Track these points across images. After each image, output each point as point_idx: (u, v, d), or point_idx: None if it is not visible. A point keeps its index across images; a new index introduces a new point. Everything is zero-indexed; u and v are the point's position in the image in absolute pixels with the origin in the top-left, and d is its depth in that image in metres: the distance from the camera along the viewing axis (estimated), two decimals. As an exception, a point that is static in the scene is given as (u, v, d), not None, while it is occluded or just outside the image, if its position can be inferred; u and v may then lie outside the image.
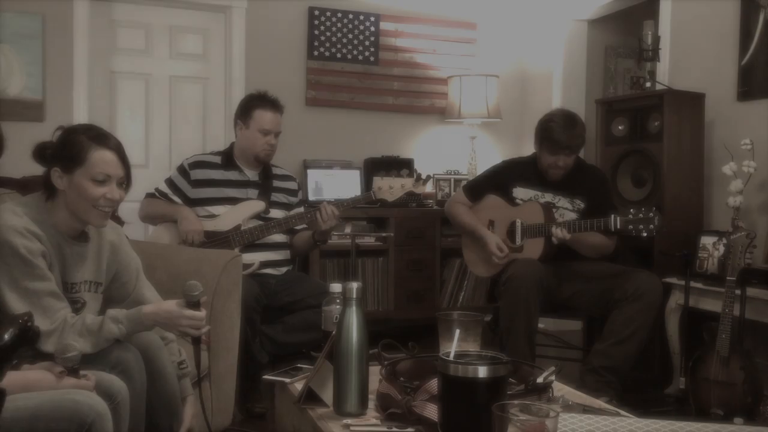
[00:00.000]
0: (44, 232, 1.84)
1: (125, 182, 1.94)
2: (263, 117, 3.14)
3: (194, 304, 1.90)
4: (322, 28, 4.50)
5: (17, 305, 1.77)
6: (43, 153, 1.89)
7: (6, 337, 1.39)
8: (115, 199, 1.89)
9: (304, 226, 3.24)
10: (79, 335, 1.80)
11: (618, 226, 2.96)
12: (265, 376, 2.03)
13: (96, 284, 2.00)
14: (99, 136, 1.89)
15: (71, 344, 1.64)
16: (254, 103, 3.18)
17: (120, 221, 3.43)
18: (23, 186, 2.51)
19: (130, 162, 2.01)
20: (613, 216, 2.98)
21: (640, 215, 2.90)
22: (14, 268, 1.77)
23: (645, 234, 2.90)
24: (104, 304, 2.05)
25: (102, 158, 1.86)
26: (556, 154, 3.13)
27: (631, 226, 2.93)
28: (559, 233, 3.00)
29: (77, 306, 1.94)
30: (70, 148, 1.86)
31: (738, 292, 2.78)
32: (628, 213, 2.95)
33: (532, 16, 4.94)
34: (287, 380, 1.92)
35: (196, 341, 1.97)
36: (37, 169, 1.97)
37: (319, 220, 3.04)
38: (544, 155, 3.19)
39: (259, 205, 3.12)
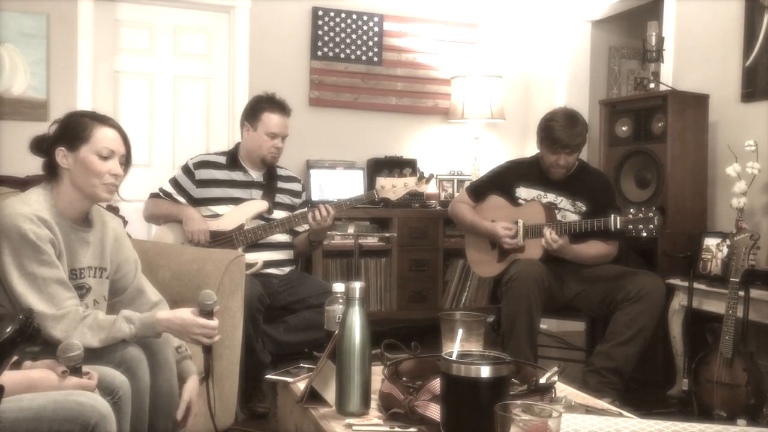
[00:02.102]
0: (53, 219, 1.87)
1: (126, 161, 2.00)
2: (271, 120, 3.14)
3: (208, 313, 1.92)
4: (326, 28, 4.50)
5: (24, 290, 1.79)
6: (41, 145, 1.94)
7: (7, 332, 1.40)
8: (119, 173, 1.96)
9: (307, 227, 3.24)
10: (89, 329, 1.81)
11: (618, 226, 2.95)
12: (268, 376, 2.03)
13: (100, 270, 2.02)
14: (100, 117, 1.98)
15: (74, 343, 1.65)
16: (262, 105, 3.17)
17: (123, 220, 3.44)
18: (26, 185, 2.52)
19: (133, 162, 2.05)
20: (612, 216, 2.98)
21: (640, 215, 2.90)
22: (22, 254, 1.80)
23: (645, 234, 2.90)
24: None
25: (106, 135, 1.94)
26: (557, 152, 3.13)
27: (630, 226, 2.93)
28: (548, 236, 2.99)
29: (82, 292, 1.95)
30: (74, 128, 1.92)
31: (741, 293, 2.77)
32: (628, 213, 2.95)
33: (535, 18, 4.94)
34: (290, 380, 1.92)
35: (208, 350, 1.99)
36: (40, 169, 1.99)
37: (311, 221, 3.04)
38: (545, 154, 3.19)
39: (262, 205, 3.12)
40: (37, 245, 1.80)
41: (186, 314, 1.91)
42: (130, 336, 1.85)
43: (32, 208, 1.84)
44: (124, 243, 2.12)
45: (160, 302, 2.14)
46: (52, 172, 1.93)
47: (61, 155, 1.90)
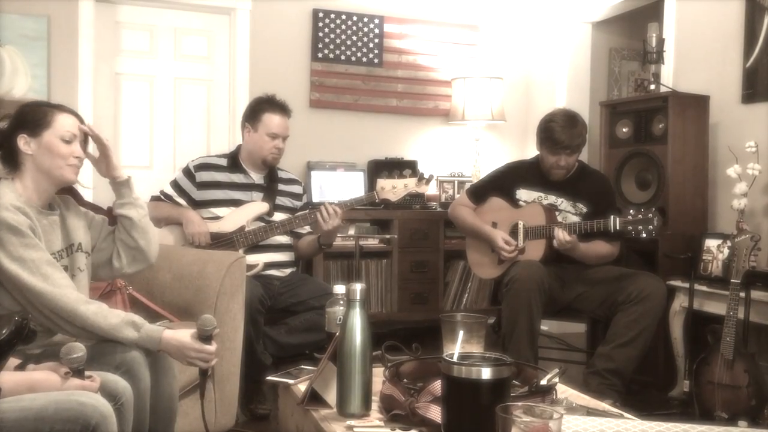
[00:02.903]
0: (25, 205, 1.88)
1: (84, 143, 2.04)
2: (272, 121, 3.15)
3: (207, 338, 1.92)
4: (326, 30, 4.51)
5: (18, 272, 1.80)
6: None
7: (3, 333, 1.41)
8: (81, 156, 2.00)
9: (309, 229, 3.24)
10: (93, 314, 1.83)
11: (617, 227, 2.95)
12: (269, 377, 2.04)
13: (69, 248, 2.04)
14: (56, 105, 2.03)
15: (76, 345, 1.65)
16: (263, 106, 3.18)
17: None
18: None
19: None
20: (612, 217, 2.97)
21: (639, 216, 2.90)
22: (7, 242, 1.81)
23: (644, 235, 2.90)
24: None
25: (66, 120, 1.98)
26: (558, 153, 3.14)
27: (630, 227, 2.92)
28: (560, 236, 2.99)
29: None
30: (34, 115, 1.96)
31: (742, 294, 2.77)
32: (628, 214, 2.95)
33: (535, 19, 4.94)
34: (290, 381, 1.93)
35: (204, 373, 1.99)
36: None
37: (320, 219, 3.04)
38: (545, 155, 3.19)
39: (262, 207, 3.12)
40: (19, 230, 1.82)
41: (185, 337, 1.91)
42: (131, 341, 1.86)
43: (3, 199, 1.86)
44: (80, 209, 2.14)
45: None
46: (12, 163, 1.95)
47: (23, 142, 1.92)
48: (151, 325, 1.91)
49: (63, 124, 1.95)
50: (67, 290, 1.84)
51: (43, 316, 1.83)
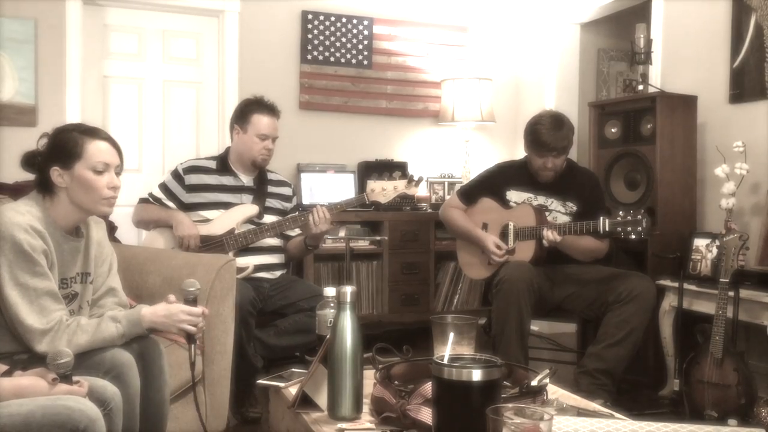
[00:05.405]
0: (46, 229, 1.86)
1: (120, 170, 1.98)
2: (261, 122, 3.14)
3: (191, 302, 1.92)
4: (316, 32, 4.50)
5: (16, 300, 1.78)
6: (32, 161, 1.93)
7: None
8: (118, 186, 1.94)
9: (299, 231, 3.23)
10: (72, 334, 1.81)
11: (606, 228, 2.96)
12: (260, 381, 2.03)
13: (85, 275, 2.02)
14: (89, 130, 1.95)
15: (64, 350, 1.64)
16: (252, 107, 3.17)
17: (113, 226, 3.42)
18: (16, 191, 2.51)
19: (123, 169, 2.05)
20: (601, 218, 2.98)
21: (629, 217, 2.91)
22: (15, 264, 1.79)
23: (633, 236, 2.91)
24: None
25: (98, 148, 1.91)
26: (545, 156, 3.15)
27: (619, 228, 2.93)
28: (549, 236, 3.01)
29: (69, 299, 1.95)
30: (65, 145, 1.89)
31: (731, 293, 2.79)
32: (617, 215, 2.96)
33: (524, 21, 4.95)
34: (281, 384, 1.92)
35: (192, 339, 1.98)
36: (28, 175, 1.98)
37: (311, 222, 3.04)
38: (533, 157, 3.20)
39: (252, 209, 3.11)
40: (31, 256, 1.80)
41: (169, 304, 1.92)
42: (118, 336, 1.85)
43: (26, 218, 1.83)
44: (105, 246, 2.12)
45: (126, 305, 2.12)
46: (47, 190, 1.91)
47: (56, 174, 1.89)
48: (127, 311, 1.91)
49: (95, 153, 1.89)
50: (52, 325, 1.80)
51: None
